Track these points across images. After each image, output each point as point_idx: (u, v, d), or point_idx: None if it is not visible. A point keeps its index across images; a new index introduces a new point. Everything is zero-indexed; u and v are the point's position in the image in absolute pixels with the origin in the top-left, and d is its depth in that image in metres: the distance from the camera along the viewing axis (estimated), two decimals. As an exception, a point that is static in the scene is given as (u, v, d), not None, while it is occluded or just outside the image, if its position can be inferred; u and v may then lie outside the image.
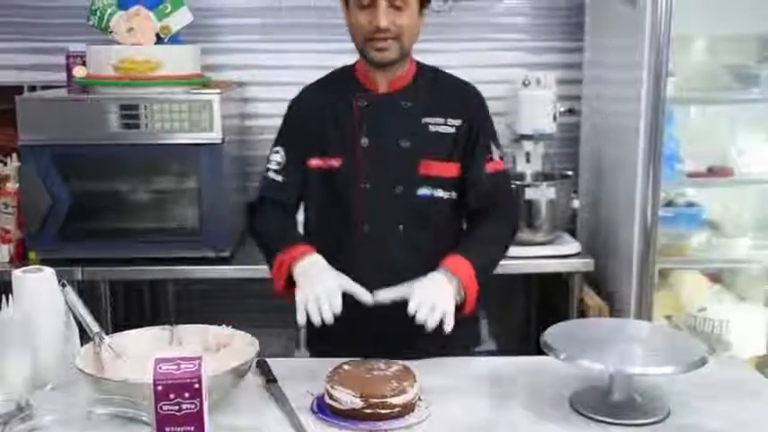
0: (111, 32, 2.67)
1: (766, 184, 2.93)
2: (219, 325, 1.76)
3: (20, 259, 2.73)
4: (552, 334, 1.62)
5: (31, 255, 2.69)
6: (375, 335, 1.74)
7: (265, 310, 3.02)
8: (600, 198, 3.04)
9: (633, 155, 2.67)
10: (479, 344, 2.04)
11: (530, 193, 2.78)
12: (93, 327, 1.68)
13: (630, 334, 1.72)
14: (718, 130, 2.91)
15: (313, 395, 1.62)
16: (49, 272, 1.70)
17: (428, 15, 1.84)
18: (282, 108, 2.95)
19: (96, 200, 2.72)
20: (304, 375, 1.71)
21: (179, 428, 1.25)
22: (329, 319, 1.65)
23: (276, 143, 1.95)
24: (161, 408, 1.24)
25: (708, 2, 2.64)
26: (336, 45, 3.06)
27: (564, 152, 3.24)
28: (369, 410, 1.51)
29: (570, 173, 3.00)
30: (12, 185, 2.82)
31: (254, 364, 1.68)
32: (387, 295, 1.69)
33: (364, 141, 1.85)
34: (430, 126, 1.85)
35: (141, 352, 1.68)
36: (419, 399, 1.58)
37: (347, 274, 1.75)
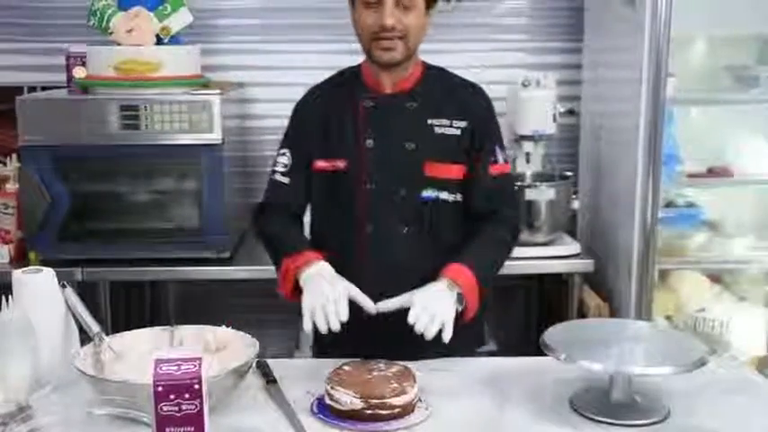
0: (111, 33, 2.67)
1: (766, 184, 2.93)
2: (219, 325, 1.76)
3: (20, 260, 2.72)
4: (552, 334, 1.62)
5: (31, 255, 2.69)
6: (380, 337, 1.74)
7: (265, 310, 3.03)
8: (600, 199, 3.04)
9: (633, 155, 2.67)
10: (483, 345, 2.04)
11: (530, 194, 2.78)
12: (94, 327, 1.68)
13: (630, 334, 1.73)
14: (717, 131, 2.91)
15: (313, 396, 1.62)
16: (49, 272, 1.70)
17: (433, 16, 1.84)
18: (282, 109, 2.94)
19: (96, 200, 2.71)
20: (304, 376, 1.71)
21: (179, 429, 1.25)
22: (336, 326, 1.66)
23: (282, 145, 1.95)
24: (161, 408, 1.24)
25: (707, 3, 2.63)
26: (337, 46, 3.08)
27: (564, 153, 3.24)
28: (369, 411, 1.51)
29: (570, 173, 2.99)
30: (12, 186, 2.82)
31: (254, 365, 1.68)
32: (388, 305, 1.70)
33: (369, 143, 1.85)
34: (435, 128, 1.85)
35: (141, 352, 1.68)
36: (419, 399, 1.58)
37: (352, 274, 1.76)
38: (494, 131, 1.92)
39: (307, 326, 1.69)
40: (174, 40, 2.73)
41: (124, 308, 3.08)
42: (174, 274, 2.77)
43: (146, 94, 2.64)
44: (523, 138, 2.90)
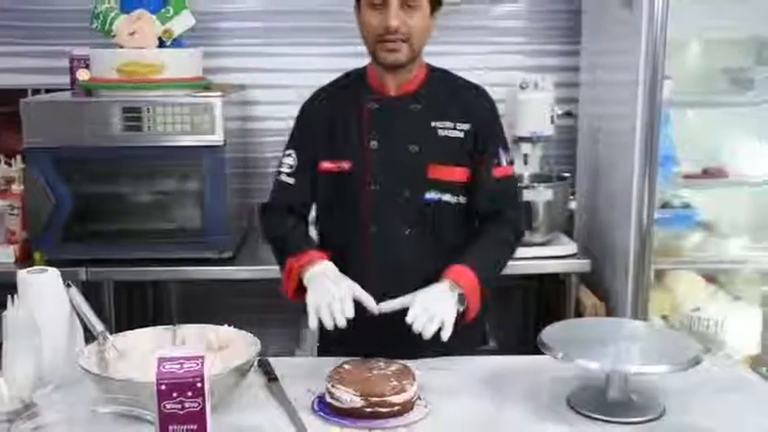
0: (114, 36, 2.67)
1: (760, 185, 2.93)
2: (222, 325, 1.77)
3: (25, 260, 2.72)
4: (550, 333, 1.62)
5: (36, 256, 2.69)
6: (382, 336, 1.75)
7: (267, 310, 3.03)
8: (597, 199, 3.04)
9: (630, 157, 2.67)
10: (486, 343, 2.04)
11: (527, 195, 2.78)
12: (98, 326, 1.69)
13: (627, 333, 1.73)
14: (713, 133, 2.91)
15: (314, 394, 1.62)
16: (53, 272, 1.71)
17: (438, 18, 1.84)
18: (283, 110, 2.96)
19: (100, 201, 2.71)
20: (305, 374, 1.71)
21: (182, 427, 1.25)
22: (342, 323, 1.66)
23: (288, 146, 1.96)
24: (164, 406, 1.25)
25: (703, 6, 2.65)
26: (337, 48, 3.09)
27: (561, 154, 3.24)
28: (369, 409, 1.52)
29: (567, 174, 3.00)
30: (16, 187, 2.83)
31: (255, 364, 1.69)
32: (391, 306, 1.71)
33: (374, 144, 1.85)
34: (439, 130, 1.85)
35: (144, 351, 1.69)
36: (418, 397, 1.58)
37: (355, 274, 1.77)
38: (497, 134, 1.92)
39: (312, 323, 1.69)
40: (177, 42, 2.74)
41: (127, 307, 3.08)
42: (176, 273, 2.77)
43: (148, 96, 2.64)
44: (521, 139, 2.91)
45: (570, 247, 2.88)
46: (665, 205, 2.87)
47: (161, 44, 2.70)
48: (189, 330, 1.76)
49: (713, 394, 1.65)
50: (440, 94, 1.88)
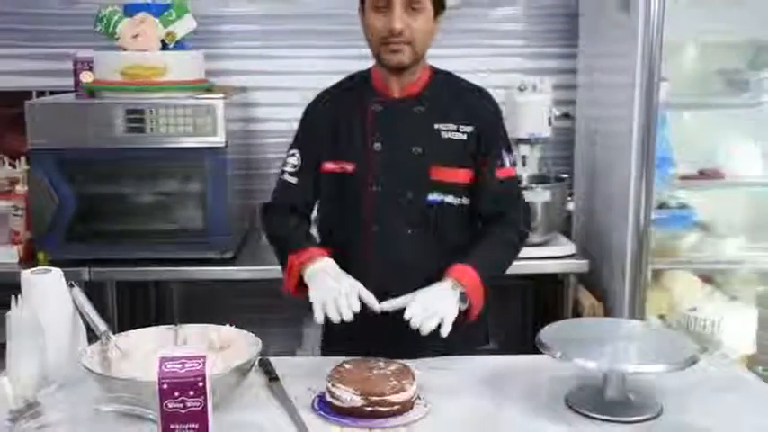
0: (117, 39, 2.67)
1: (756, 186, 2.93)
2: (223, 324, 1.76)
3: (29, 260, 2.72)
4: (548, 333, 1.62)
5: (40, 256, 2.69)
6: (385, 335, 1.75)
7: (268, 310, 3.03)
8: (594, 200, 3.04)
9: (627, 158, 2.67)
10: (488, 342, 2.04)
11: (526, 196, 2.73)
12: (100, 326, 1.68)
13: (624, 333, 1.73)
14: (709, 134, 2.91)
15: (314, 393, 1.62)
16: (57, 272, 1.70)
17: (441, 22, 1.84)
18: (283, 112, 2.96)
19: (103, 202, 2.71)
20: (305, 374, 1.71)
21: (184, 426, 1.25)
22: (349, 316, 1.66)
23: (292, 146, 1.96)
24: (166, 405, 1.24)
25: (699, 9, 2.64)
26: (337, 51, 3.09)
27: (559, 155, 3.24)
28: (369, 408, 1.51)
29: (565, 176, 3.00)
30: (20, 188, 2.82)
31: (256, 363, 1.68)
32: (392, 304, 1.71)
33: (377, 146, 1.85)
34: (442, 132, 1.85)
35: (147, 351, 1.69)
36: (418, 397, 1.58)
37: (357, 273, 1.77)
38: (500, 135, 1.92)
39: (319, 318, 1.69)
40: (179, 45, 2.74)
41: (130, 307, 3.08)
42: (178, 274, 2.77)
43: (151, 99, 2.64)
44: (520, 141, 2.90)
45: (568, 247, 2.88)
46: (661, 206, 2.86)
47: (164, 47, 2.70)
48: (191, 330, 1.76)
49: (710, 393, 1.64)
50: (443, 96, 1.88)
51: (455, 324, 1.68)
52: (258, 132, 3.23)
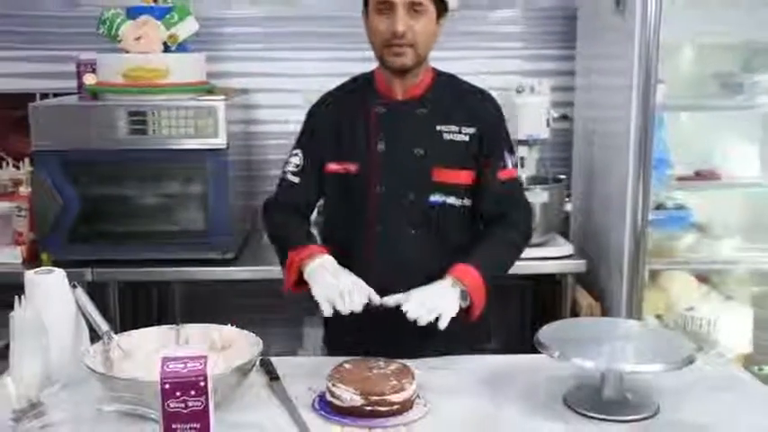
0: (120, 41, 2.67)
1: (751, 187, 2.93)
2: (225, 324, 1.76)
3: (32, 261, 2.72)
4: (546, 333, 1.62)
5: (43, 256, 2.69)
6: (386, 334, 1.75)
7: (269, 310, 3.03)
8: (592, 201, 3.04)
9: (624, 159, 2.67)
10: (490, 342, 2.04)
11: (524, 197, 2.78)
12: (103, 326, 1.68)
13: (621, 333, 1.73)
14: (705, 136, 2.91)
15: (314, 392, 1.62)
16: (60, 273, 1.70)
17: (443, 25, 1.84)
18: (284, 114, 2.96)
19: (106, 203, 2.71)
20: (306, 373, 1.71)
21: (185, 425, 1.25)
22: (358, 308, 1.66)
23: (296, 146, 1.96)
24: (168, 405, 1.24)
25: (695, 12, 2.64)
26: (338, 53, 3.09)
27: (557, 157, 3.24)
28: (368, 407, 1.51)
29: (563, 177, 2.99)
30: (24, 190, 2.83)
31: (257, 363, 1.68)
32: (394, 299, 1.70)
33: (380, 147, 1.85)
34: (444, 134, 1.85)
35: (149, 351, 1.69)
36: (417, 396, 1.58)
37: (359, 272, 1.77)
38: (502, 137, 1.92)
39: (327, 311, 1.68)
40: (181, 47, 2.74)
41: (132, 307, 3.08)
42: (180, 274, 2.77)
43: (153, 101, 2.64)
44: (518, 142, 2.90)
45: (566, 248, 2.88)
46: (658, 207, 2.86)
47: (166, 49, 2.70)
48: (192, 330, 1.76)
49: (706, 393, 1.64)
50: (446, 98, 1.88)
51: (458, 322, 1.68)
52: (259, 134, 3.22)
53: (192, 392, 1.24)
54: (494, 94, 1.97)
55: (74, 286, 1.71)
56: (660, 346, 1.63)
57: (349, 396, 1.52)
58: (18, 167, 3.01)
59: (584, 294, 2.87)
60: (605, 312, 2.80)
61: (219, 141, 2.64)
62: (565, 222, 3.09)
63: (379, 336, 1.76)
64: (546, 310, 2.98)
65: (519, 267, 2.75)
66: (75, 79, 2.95)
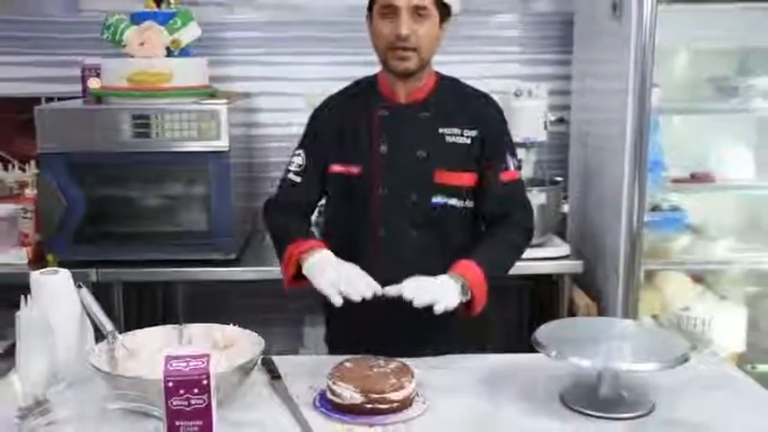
0: (124, 46, 2.67)
1: (745, 189, 2.93)
2: (227, 324, 1.77)
3: (38, 261, 2.72)
4: (543, 332, 1.62)
5: (49, 257, 2.69)
6: (387, 334, 1.75)
7: (271, 310, 3.03)
8: (588, 203, 3.04)
9: (620, 162, 2.67)
10: (492, 341, 2.04)
11: (522, 198, 2.78)
12: (108, 326, 1.69)
13: (618, 332, 1.73)
14: (700, 139, 2.91)
15: (315, 391, 1.62)
16: (65, 273, 1.71)
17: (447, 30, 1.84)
18: (285, 117, 2.96)
19: (110, 205, 2.71)
20: (307, 372, 1.71)
21: (188, 423, 1.25)
22: (369, 294, 1.65)
23: (299, 147, 1.97)
24: (171, 403, 1.25)
25: (690, 17, 2.65)
26: (339, 57, 3.10)
27: (554, 159, 3.25)
28: (369, 405, 1.52)
29: (560, 179, 3.00)
30: (30, 192, 2.83)
31: (259, 362, 1.69)
32: (396, 289, 1.69)
33: (383, 149, 1.85)
34: (446, 137, 1.85)
35: (153, 350, 1.69)
36: (417, 394, 1.58)
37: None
38: (505, 140, 1.92)
39: (337, 300, 1.67)
40: (184, 52, 2.74)
41: (136, 307, 3.08)
42: (183, 275, 2.77)
43: (157, 104, 2.64)
44: (516, 145, 2.90)
45: (563, 248, 2.88)
46: (654, 208, 2.87)
47: (169, 54, 2.70)
48: (195, 329, 1.76)
49: (701, 391, 1.65)
50: (449, 102, 1.88)
51: (459, 321, 1.68)
52: (261, 137, 3.23)
53: (195, 390, 1.25)
54: (495, 97, 1.98)
55: (79, 286, 1.71)
56: (655, 345, 1.63)
57: (349, 394, 1.52)
58: (24, 170, 3.01)
59: (580, 294, 2.87)
60: (602, 312, 2.80)
61: (222, 144, 2.65)
62: (562, 224, 3.09)
63: (379, 335, 1.76)
64: (543, 309, 2.98)
65: (517, 268, 2.75)
66: (79, 83, 2.95)
